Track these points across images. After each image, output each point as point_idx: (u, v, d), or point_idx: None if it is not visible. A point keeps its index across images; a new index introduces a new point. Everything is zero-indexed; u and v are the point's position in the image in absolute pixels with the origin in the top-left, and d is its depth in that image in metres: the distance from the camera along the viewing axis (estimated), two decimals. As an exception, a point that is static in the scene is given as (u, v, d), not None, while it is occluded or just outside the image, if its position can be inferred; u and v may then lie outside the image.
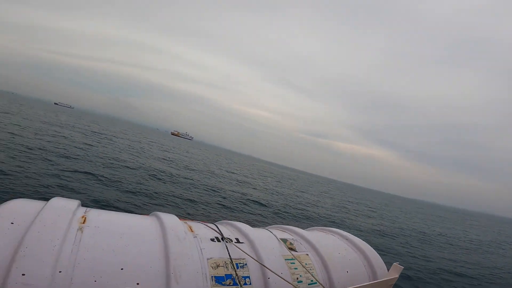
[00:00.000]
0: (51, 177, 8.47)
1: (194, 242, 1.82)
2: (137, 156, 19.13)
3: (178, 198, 10.30)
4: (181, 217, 2.36)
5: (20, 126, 18.23)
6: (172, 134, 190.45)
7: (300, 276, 2.02)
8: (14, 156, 9.73)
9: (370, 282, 2.19)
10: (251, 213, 11.01)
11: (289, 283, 1.87)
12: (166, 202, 9.24)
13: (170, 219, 1.96)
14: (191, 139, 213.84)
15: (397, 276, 2.40)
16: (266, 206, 13.49)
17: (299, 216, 13.41)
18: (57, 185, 7.77)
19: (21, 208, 1.61)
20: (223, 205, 11.13)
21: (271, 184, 26.84)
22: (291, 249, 2.23)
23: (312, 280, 2.05)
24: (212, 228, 2.11)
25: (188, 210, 8.98)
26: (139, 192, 9.57)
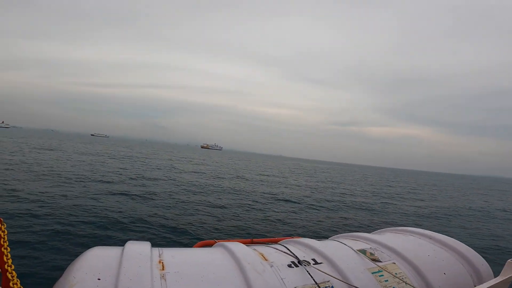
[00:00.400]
0: (89, 200, 9.04)
1: (273, 273, 1.68)
2: (168, 173, 19.78)
3: (209, 206, 10.37)
4: (237, 238, 2.26)
5: (60, 160, 19.73)
6: (202, 147, 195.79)
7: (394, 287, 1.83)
8: (58, 186, 10.53)
9: (491, 284, 1.91)
10: (283, 212, 10.75)
11: None
12: (196, 212, 9.33)
13: (239, 249, 1.84)
14: (220, 149, 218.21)
15: None
16: (298, 203, 13.14)
17: (334, 209, 12.88)
18: (93, 207, 8.17)
19: (101, 259, 1.57)
20: (254, 207, 11.01)
21: (303, 180, 26.30)
22: (374, 260, 2.01)
23: None
24: (283, 251, 1.95)
25: (219, 216, 8.98)
26: (169, 206, 9.77)
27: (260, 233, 7.76)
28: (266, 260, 1.78)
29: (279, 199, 13.45)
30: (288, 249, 1.96)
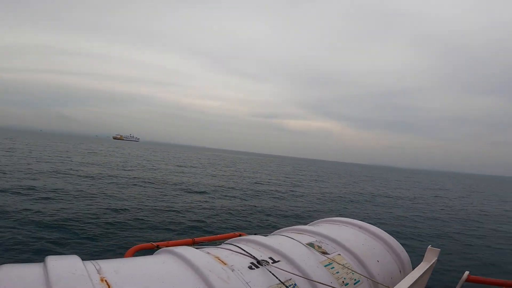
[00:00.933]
0: None
1: (236, 278, 1.48)
2: (60, 166, 16.79)
3: (110, 197, 9.15)
4: (182, 238, 1.92)
5: None
6: (115, 138, 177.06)
7: (344, 278, 1.87)
8: None
9: (423, 271, 2.00)
10: (194, 202, 10.32)
11: None
12: (91, 203, 8.05)
13: (192, 254, 1.54)
14: (137, 140, 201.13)
15: (436, 259, 2.33)
16: (209, 193, 12.92)
17: (245, 198, 13.15)
18: None
19: (19, 283, 1.00)
20: (162, 200, 10.24)
21: (221, 171, 26.32)
22: (323, 253, 2.02)
23: (356, 279, 1.91)
24: (239, 252, 1.76)
25: (118, 206, 7.92)
26: (55, 201, 8.13)
27: (166, 226, 7.19)
28: (225, 264, 1.58)
29: (192, 191, 12.93)
30: (242, 249, 1.80)
